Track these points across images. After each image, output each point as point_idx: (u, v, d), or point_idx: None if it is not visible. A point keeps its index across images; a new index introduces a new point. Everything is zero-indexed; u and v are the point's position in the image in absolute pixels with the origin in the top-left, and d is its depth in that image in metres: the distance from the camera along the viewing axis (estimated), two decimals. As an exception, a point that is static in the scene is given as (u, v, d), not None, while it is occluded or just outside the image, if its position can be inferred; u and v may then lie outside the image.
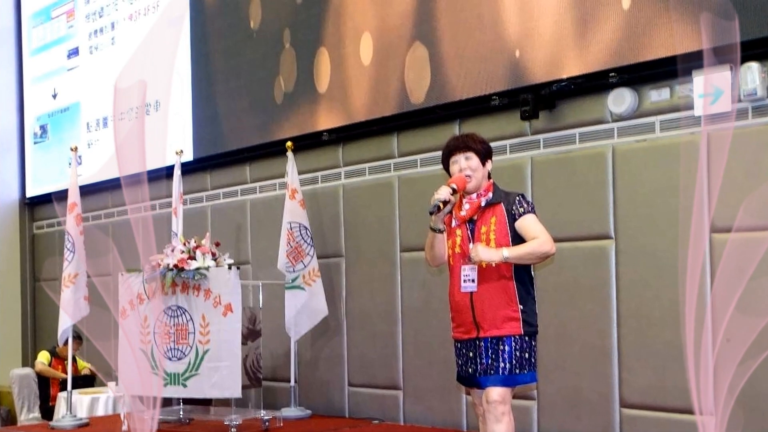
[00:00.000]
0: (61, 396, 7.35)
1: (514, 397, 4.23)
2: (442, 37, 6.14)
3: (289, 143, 6.91)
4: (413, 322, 6.51)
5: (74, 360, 7.51)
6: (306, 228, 6.71)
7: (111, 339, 6.00)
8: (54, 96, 10.25)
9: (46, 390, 8.33)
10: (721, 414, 3.62)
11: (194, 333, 6.21)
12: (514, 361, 4.02)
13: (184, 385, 6.27)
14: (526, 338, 4.06)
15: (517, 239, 4.05)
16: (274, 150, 7.38)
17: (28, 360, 10.20)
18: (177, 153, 7.36)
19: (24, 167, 10.79)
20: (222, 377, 6.15)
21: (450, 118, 6.25)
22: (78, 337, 7.43)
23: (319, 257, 6.76)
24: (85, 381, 7.99)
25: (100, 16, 9.51)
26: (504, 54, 5.76)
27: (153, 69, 8.34)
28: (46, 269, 10.02)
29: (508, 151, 5.90)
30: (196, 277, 6.18)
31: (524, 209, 4.08)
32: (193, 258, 6.26)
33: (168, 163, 7.24)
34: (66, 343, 7.02)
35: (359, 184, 6.96)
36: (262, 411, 6.39)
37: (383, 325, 6.69)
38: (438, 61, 6.17)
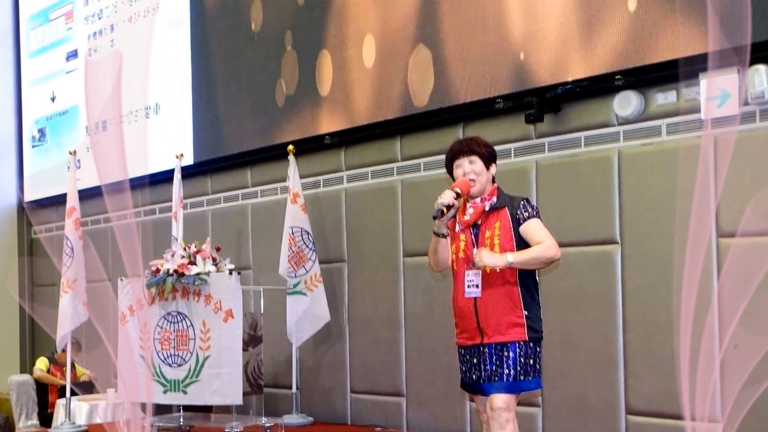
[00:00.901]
0: (60, 403, 7.29)
1: (519, 403, 4.21)
2: (446, 39, 6.09)
3: (290, 147, 6.87)
4: (416, 328, 6.46)
5: (73, 366, 7.46)
6: (308, 233, 6.66)
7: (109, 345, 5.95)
8: (53, 99, 10.20)
9: (45, 397, 8.28)
10: (726, 422, 3.57)
11: (195, 339, 6.17)
12: (518, 368, 3.99)
13: (185, 392, 6.24)
14: (531, 344, 4.03)
15: (522, 244, 4.02)
16: (275, 154, 7.34)
17: (27, 366, 10.15)
18: (177, 157, 7.31)
19: (22, 171, 10.75)
20: (223, 384, 6.12)
21: (454, 122, 6.20)
22: (77, 343, 7.37)
23: (321, 262, 6.71)
24: (84, 387, 7.93)
25: (99, 18, 9.46)
26: (508, 56, 5.70)
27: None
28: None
29: (512, 154, 5.85)
30: (196, 283, 6.15)
31: (529, 214, 4.05)
32: (193, 263, 6.23)
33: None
34: (65, 349, 6.96)
35: (362, 188, 6.91)
36: (263, 418, 6.34)
37: (386, 331, 6.64)
38: (441, 63, 6.12)
